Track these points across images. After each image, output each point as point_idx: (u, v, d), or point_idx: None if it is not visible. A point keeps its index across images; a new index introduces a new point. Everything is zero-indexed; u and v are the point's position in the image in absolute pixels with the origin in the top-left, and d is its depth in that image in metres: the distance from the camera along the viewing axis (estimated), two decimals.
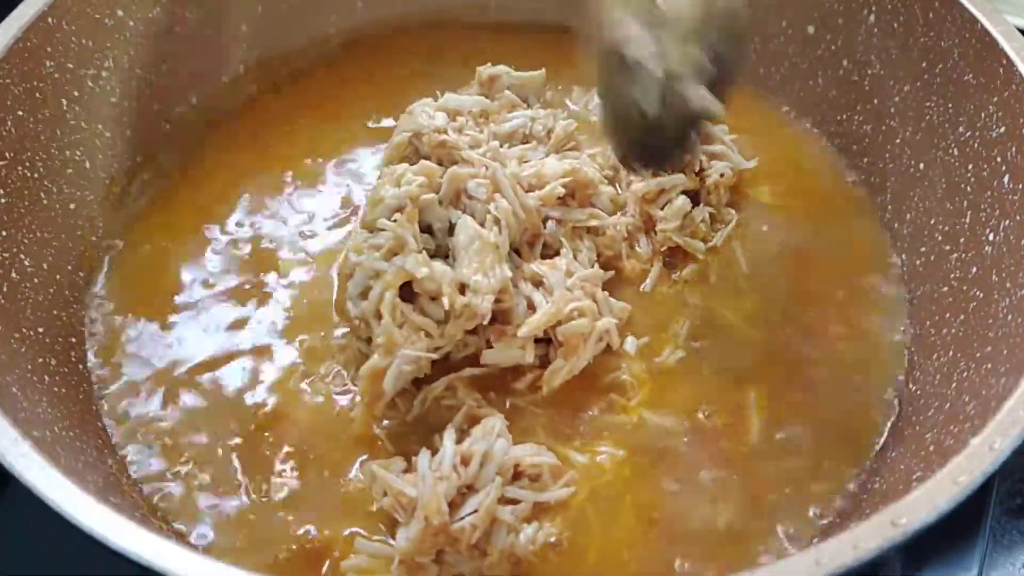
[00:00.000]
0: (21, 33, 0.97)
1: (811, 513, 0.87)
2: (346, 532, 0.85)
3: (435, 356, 0.90)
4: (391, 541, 0.83)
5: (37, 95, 0.99)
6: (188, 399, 0.95)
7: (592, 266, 1.00)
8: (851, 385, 0.96)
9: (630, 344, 0.98)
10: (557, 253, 1.00)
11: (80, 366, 0.96)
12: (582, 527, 0.85)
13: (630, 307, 1.00)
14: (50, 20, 1.00)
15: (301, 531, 0.85)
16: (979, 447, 0.67)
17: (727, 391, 0.94)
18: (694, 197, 1.06)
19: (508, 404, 0.93)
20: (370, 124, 1.21)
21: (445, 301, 0.88)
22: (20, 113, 0.97)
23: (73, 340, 0.97)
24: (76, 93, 1.05)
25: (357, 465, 0.89)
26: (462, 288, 0.90)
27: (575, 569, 0.83)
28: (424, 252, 0.91)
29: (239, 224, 1.10)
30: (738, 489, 0.88)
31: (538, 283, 0.96)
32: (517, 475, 0.86)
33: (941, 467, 0.67)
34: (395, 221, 0.91)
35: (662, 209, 1.05)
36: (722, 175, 1.06)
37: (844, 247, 1.07)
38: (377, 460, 0.87)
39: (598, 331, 0.95)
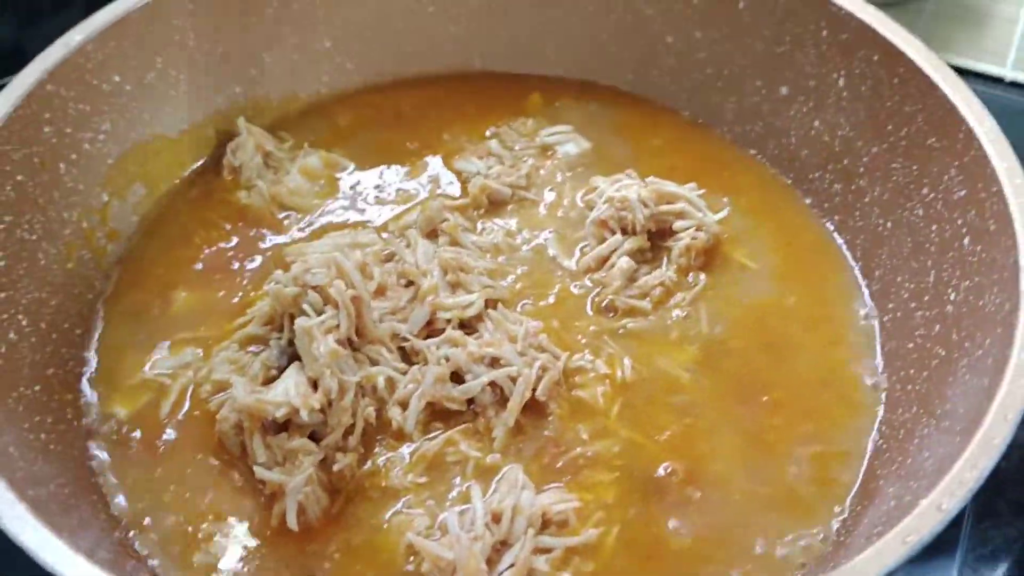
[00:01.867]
0: (20, 101, 1.01)
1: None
2: None
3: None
4: None
5: (36, 160, 1.03)
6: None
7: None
8: (815, 438, 0.99)
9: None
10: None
11: (76, 423, 0.99)
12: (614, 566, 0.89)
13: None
14: (48, 87, 1.04)
15: None
16: (927, 508, 0.70)
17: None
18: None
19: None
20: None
21: (303, 414, 0.92)
22: (19, 178, 1.01)
23: (69, 397, 1.01)
24: (74, 156, 1.08)
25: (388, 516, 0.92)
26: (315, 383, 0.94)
27: None
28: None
29: None
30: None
31: (495, 362, 0.99)
32: (545, 523, 0.89)
33: (893, 526, 0.70)
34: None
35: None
36: (694, 238, 1.10)
37: (815, 303, 1.10)
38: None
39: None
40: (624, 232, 1.13)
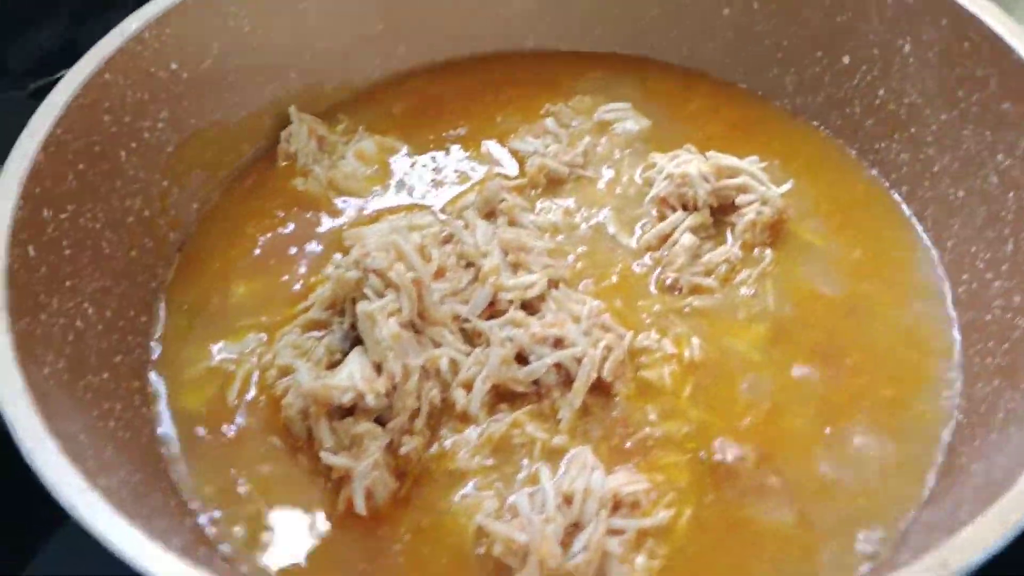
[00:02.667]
0: (79, 90, 1.01)
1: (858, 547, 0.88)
2: None
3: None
4: None
5: (96, 148, 1.04)
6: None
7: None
8: (895, 421, 0.96)
9: None
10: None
11: (144, 410, 0.99)
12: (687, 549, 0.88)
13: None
14: (107, 76, 1.05)
15: None
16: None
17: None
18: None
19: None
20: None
21: (369, 398, 0.91)
22: (81, 167, 1.01)
23: (136, 384, 1.01)
24: (133, 144, 1.09)
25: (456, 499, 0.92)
26: (379, 367, 0.94)
27: None
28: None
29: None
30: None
31: (559, 343, 0.98)
32: (616, 505, 0.88)
33: (989, 505, 0.67)
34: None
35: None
36: (759, 213, 1.08)
37: (885, 277, 1.07)
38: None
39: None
40: (685, 208, 1.11)
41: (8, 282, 0.87)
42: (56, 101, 0.99)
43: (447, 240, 1.10)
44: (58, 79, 1.02)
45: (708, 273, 1.06)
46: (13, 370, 0.80)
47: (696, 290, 1.06)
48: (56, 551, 1.04)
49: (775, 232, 1.10)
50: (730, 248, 1.08)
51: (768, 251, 1.09)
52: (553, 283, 1.05)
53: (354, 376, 0.93)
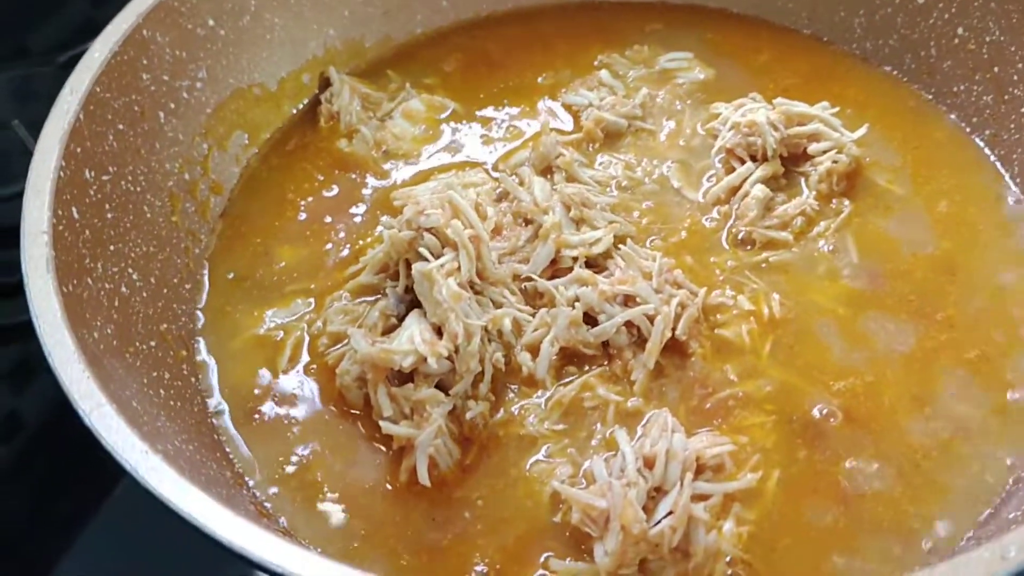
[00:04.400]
0: (118, 47, 0.97)
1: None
2: (541, 558, 0.81)
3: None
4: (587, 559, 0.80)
5: (135, 108, 0.99)
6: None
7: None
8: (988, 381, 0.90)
9: None
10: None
11: (194, 379, 0.95)
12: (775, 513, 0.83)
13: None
14: (144, 32, 1.00)
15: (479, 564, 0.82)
16: None
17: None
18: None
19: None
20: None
21: (431, 362, 0.85)
22: (121, 127, 0.97)
23: (184, 353, 0.97)
24: (172, 105, 1.05)
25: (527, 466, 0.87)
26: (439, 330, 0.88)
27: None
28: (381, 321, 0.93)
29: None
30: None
31: (629, 301, 0.93)
32: (699, 469, 0.82)
33: None
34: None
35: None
36: (835, 162, 1.02)
37: (971, 227, 1.01)
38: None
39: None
40: (754, 159, 1.05)
41: (54, 243, 0.82)
42: (95, 58, 0.96)
43: (502, 198, 1.05)
44: (78, 55, 0.97)
45: (784, 227, 1.01)
46: (65, 332, 0.76)
47: (770, 244, 1.00)
48: (89, 545, 1.02)
49: (852, 182, 1.04)
50: (805, 199, 1.02)
51: (847, 202, 1.03)
52: (619, 239, 0.99)
53: (415, 339, 0.88)
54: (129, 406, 0.78)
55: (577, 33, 1.26)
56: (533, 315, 0.94)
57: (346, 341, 0.93)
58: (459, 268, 0.92)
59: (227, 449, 0.90)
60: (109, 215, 0.93)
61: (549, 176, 1.07)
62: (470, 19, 1.29)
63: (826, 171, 1.03)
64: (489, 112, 1.19)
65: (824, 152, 1.04)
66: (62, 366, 0.74)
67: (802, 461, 0.85)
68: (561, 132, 1.14)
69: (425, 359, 0.86)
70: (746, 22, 1.25)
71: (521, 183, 1.05)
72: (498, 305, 0.94)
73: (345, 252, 1.06)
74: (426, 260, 0.92)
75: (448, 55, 1.26)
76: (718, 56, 1.20)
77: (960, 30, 1.08)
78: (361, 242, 1.06)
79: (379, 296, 0.98)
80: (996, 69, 1.05)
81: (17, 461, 1.11)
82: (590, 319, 0.93)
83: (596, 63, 1.21)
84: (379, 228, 1.02)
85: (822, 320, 0.94)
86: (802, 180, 1.05)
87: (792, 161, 1.06)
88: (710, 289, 0.96)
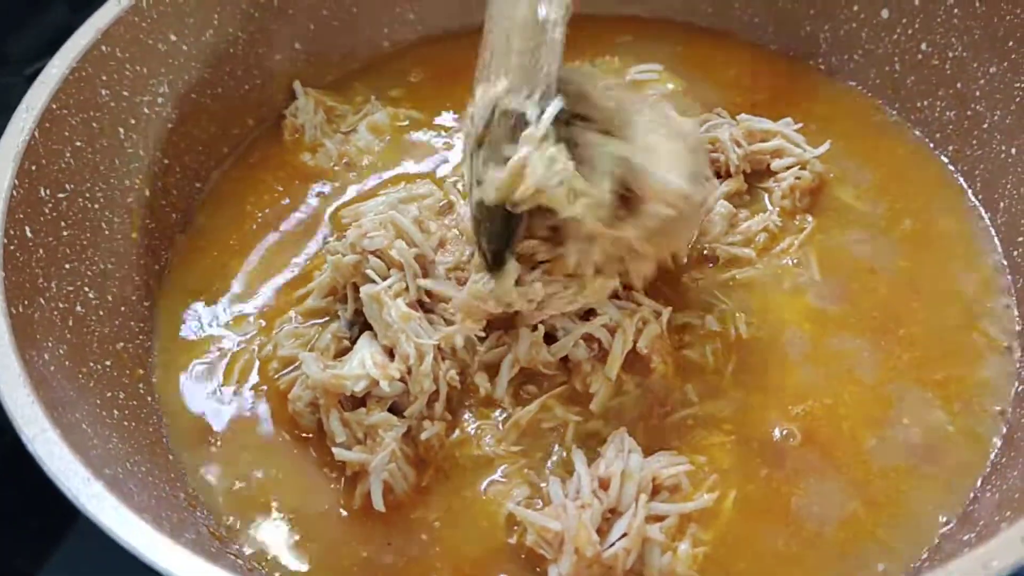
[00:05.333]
0: (76, 63, 0.95)
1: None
2: None
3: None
4: None
5: (94, 125, 0.98)
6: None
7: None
8: (952, 393, 0.90)
9: None
10: None
11: (149, 398, 0.94)
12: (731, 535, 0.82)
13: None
14: (103, 48, 0.99)
15: None
16: None
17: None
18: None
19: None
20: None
21: (384, 385, 0.85)
22: (78, 144, 0.95)
23: (141, 372, 0.96)
24: (133, 121, 1.03)
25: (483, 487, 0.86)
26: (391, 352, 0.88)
27: None
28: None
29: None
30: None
31: (590, 315, 0.92)
32: (656, 489, 0.82)
33: None
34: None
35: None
36: (798, 178, 1.02)
37: (934, 244, 1.01)
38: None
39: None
40: (718, 175, 1.05)
41: (4, 264, 0.81)
42: (52, 74, 0.94)
43: (446, 210, 1.04)
44: None
45: (747, 243, 1.00)
46: (11, 355, 0.75)
47: (734, 261, 0.99)
48: (72, 551, 1.01)
49: (816, 198, 1.04)
50: (769, 216, 1.02)
51: (810, 218, 1.02)
52: None
53: (366, 363, 0.87)
54: (78, 429, 0.77)
55: None
56: (485, 331, 0.93)
57: (297, 364, 0.91)
58: (407, 288, 0.91)
59: (182, 471, 0.89)
60: (65, 233, 0.92)
61: None
62: (438, 33, 1.29)
63: (789, 187, 1.02)
64: (448, 121, 1.18)
65: (787, 168, 1.04)
66: (7, 390, 0.73)
67: (760, 482, 0.85)
68: None
69: (377, 383, 0.86)
70: (715, 36, 1.24)
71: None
72: (449, 322, 0.93)
73: (298, 272, 1.05)
74: (373, 282, 0.91)
75: (414, 67, 1.25)
76: (688, 68, 1.20)
77: (924, 46, 1.08)
78: (313, 262, 1.05)
79: (330, 317, 0.97)
80: (959, 85, 1.05)
81: None
82: (549, 337, 0.92)
83: None
84: (323, 251, 1.02)
85: (787, 338, 0.94)
86: (766, 196, 1.04)
87: (756, 177, 1.06)
88: (674, 308, 0.95)
